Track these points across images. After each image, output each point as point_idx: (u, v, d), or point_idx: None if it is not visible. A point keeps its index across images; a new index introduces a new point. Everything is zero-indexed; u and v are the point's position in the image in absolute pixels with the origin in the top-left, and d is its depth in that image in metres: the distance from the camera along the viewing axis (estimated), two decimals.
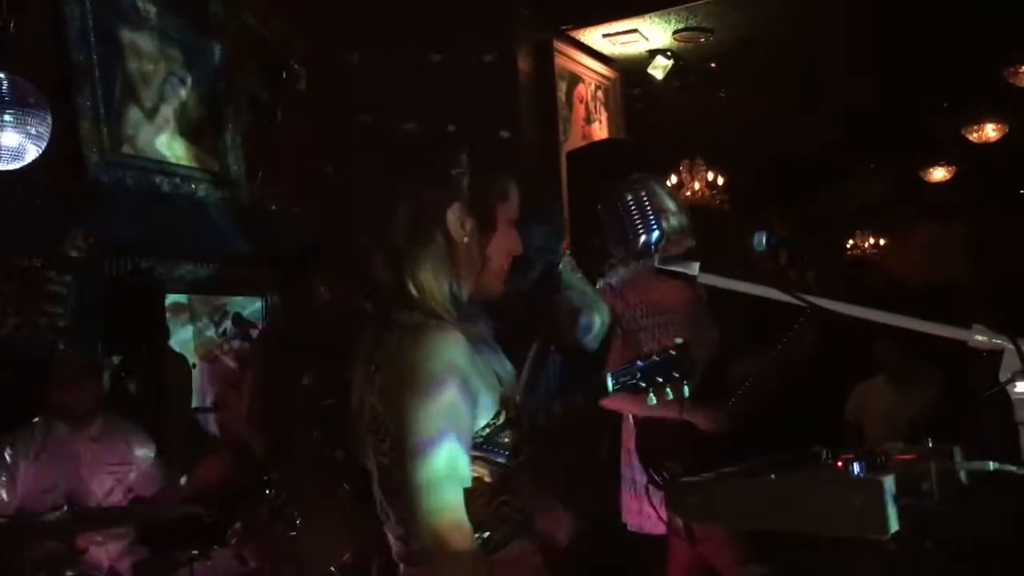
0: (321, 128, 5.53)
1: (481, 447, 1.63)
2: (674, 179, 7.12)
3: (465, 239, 1.69)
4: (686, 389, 1.86)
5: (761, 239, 2.60)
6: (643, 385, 1.86)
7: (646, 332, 3.04)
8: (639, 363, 1.85)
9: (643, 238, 1.83)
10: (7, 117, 3.29)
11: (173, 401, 4.45)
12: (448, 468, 1.55)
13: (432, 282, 1.67)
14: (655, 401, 1.96)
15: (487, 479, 1.64)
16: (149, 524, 3.43)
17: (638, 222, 1.83)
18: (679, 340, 1.92)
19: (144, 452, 3.60)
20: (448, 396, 1.57)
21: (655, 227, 1.83)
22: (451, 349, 1.60)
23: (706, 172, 7.33)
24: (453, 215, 1.68)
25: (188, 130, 4.97)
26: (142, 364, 4.29)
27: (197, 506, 3.35)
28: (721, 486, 1.57)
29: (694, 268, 1.76)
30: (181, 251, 4.75)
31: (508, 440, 1.66)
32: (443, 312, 1.66)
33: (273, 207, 5.26)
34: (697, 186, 7.16)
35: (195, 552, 3.24)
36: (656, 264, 1.81)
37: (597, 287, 3.19)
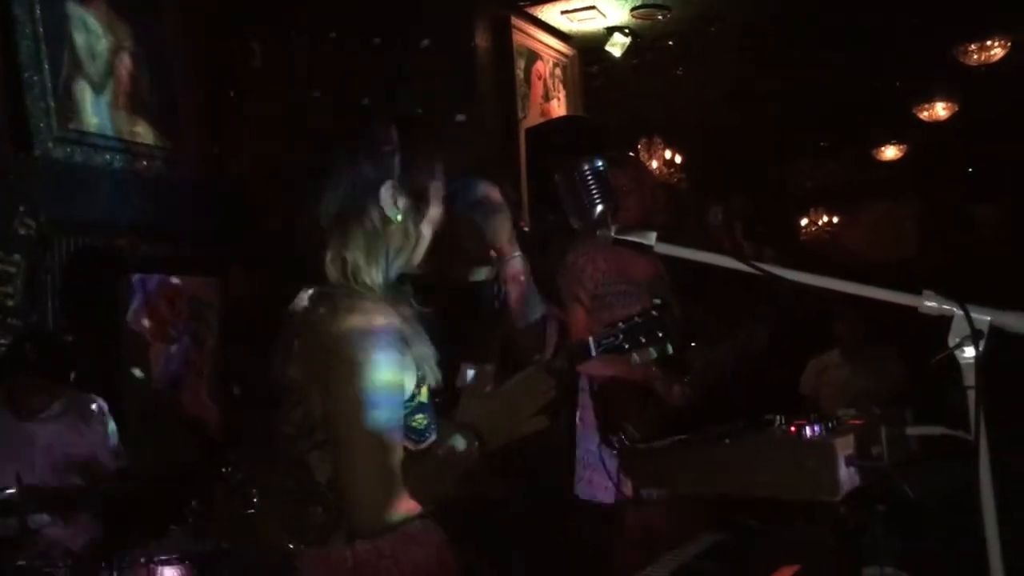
0: (273, 106, 5.46)
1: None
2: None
3: (398, 216, 1.70)
4: (669, 347, 1.86)
5: (717, 213, 2.60)
6: (626, 347, 1.86)
7: (614, 299, 3.13)
8: (621, 325, 1.85)
9: (599, 208, 1.83)
10: None
11: (132, 379, 4.40)
12: (372, 440, 1.58)
13: (363, 259, 1.69)
14: (638, 360, 1.96)
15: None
16: (106, 503, 3.39)
17: (594, 192, 1.84)
18: (658, 301, 1.92)
19: (102, 430, 3.55)
20: (372, 368, 1.58)
21: (610, 198, 1.83)
22: (378, 322, 1.62)
23: (664, 150, 7.37)
24: (386, 192, 1.70)
25: (138, 106, 4.88)
26: (98, 342, 4.23)
27: (155, 484, 3.32)
28: (676, 452, 1.59)
29: (650, 238, 1.77)
30: (132, 229, 4.67)
31: (416, 424, 1.69)
32: (373, 287, 1.69)
33: (225, 185, 5.20)
34: (655, 164, 7.19)
35: (152, 530, 3.21)
36: (612, 235, 1.82)
37: (567, 255, 3.25)
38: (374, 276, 1.70)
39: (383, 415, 1.59)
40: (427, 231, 1.77)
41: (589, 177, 1.85)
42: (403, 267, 1.75)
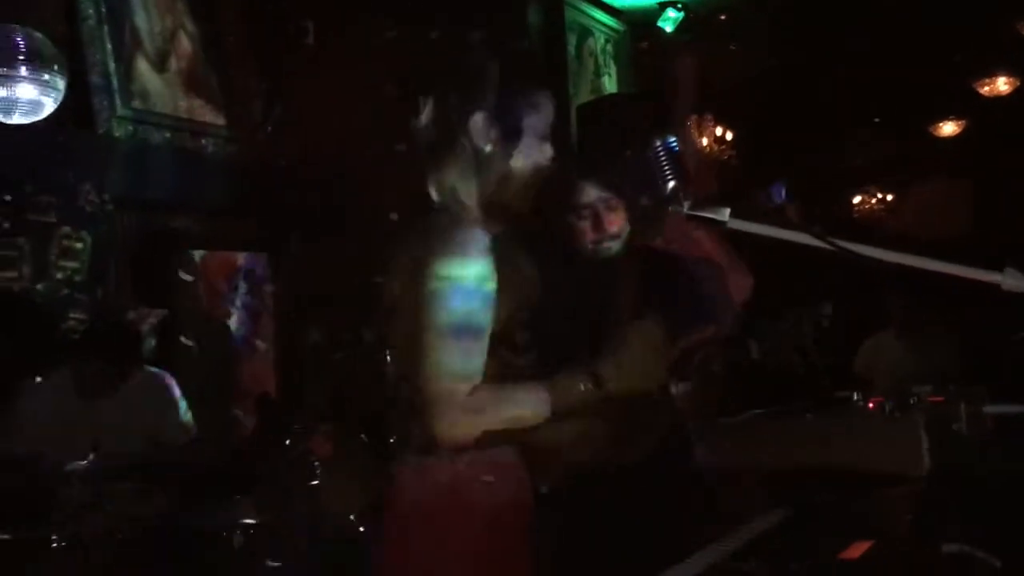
0: (329, 81, 5.50)
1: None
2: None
3: (488, 147, 1.71)
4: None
5: (780, 191, 2.58)
6: None
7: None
8: None
9: (671, 185, 1.83)
10: (24, 71, 3.29)
11: (193, 353, 4.50)
12: (457, 362, 1.60)
13: (459, 183, 1.72)
14: None
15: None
16: (174, 474, 3.47)
17: (667, 169, 1.84)
18: None
19: (168, 405, 3.62)
20: (464, 293, 1.61)
21: (681, 175, 1.83)
22: (469, 237, 1.64)
23: (714, 127, 7.29)
24: (476, 121, 1.70)
25: (196, 84, 4.95)
26: (169, 315, 4.32)
27: (219, 456, 3.40)
28: (754, 425, 1.60)
29: (724, 213, 1.77)
30: (191, 206, 4.75)
31: (518, 340, 1.71)
32: (465, 214, 1.71)
33: (282, 161, 5.26)
34: (705, 141, 7.12)
35: (218, 501, 3.29)
36: (684, 211, 1.82)
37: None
38: (469, 199, 1.72)
39: (466, 321, 1.60)
40: (520, 164, 1.74)
41: (661, 154, 1.85)
42: (501, 198, 1.74)
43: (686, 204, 1.79)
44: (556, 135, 1.89)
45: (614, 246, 2.44)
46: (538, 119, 1.77)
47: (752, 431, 1.62)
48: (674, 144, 1.86)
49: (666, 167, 1.83)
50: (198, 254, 4.83)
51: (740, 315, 2.60)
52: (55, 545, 2.99)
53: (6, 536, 3.05)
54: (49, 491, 3.25)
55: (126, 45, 4.55)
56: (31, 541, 3.04)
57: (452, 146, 1.72)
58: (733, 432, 1.62)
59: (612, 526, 2.03)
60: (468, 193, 1.73)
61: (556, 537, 1.90)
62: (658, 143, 1.85)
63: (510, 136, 1.73)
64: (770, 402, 1.79)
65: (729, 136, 7.48)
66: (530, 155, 1.75)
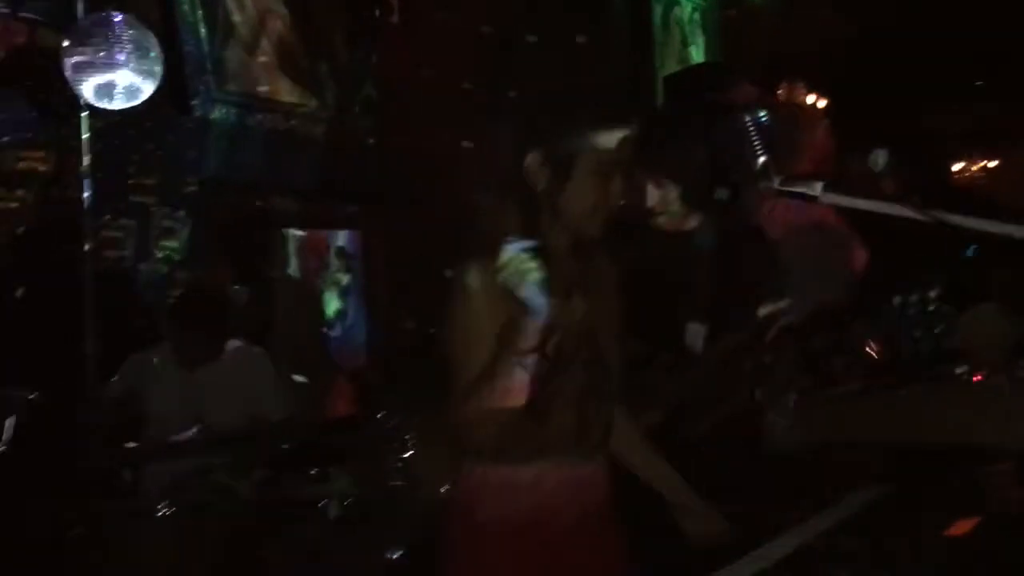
0: (414, 61, 5.54)
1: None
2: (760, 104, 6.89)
3: (540, 186, 1.71)
4: None
5: (878, 158, 2.51)
6: None
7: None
8: None
9: (761, 159, 1.80)
10: (122, 56, 3.39)
11: (288, 329, 4.61)
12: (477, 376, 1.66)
13: (511, 224, 1.71)
14: None
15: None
16: (271, 448, 3.58)
17: (756, 143, 1.80)
18: None
19: (264, 380, 3.72)
20: (465, 312, 1.69)
21: (771, 149, 1.80)
22: (486, 282, 1.67)
23: (805, 95, 7.10)
24: (531, 162, 1.70)
25: (286, 66, 5.05)
26: (257, 294, 4.44)
27: (315, 430, 3.48)
28: (858, 400, 1.57)
29: (816, 187, 1.73)
30: (283, 185, 4.86)
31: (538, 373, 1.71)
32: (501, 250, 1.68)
33: (370, 140, 5.33)
34: (797, 113, 6.94)
35: (314, 473, 3.38)
36: (775, 186, 1.78)
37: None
38: (514, 240, 1.69)
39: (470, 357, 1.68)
40: (572, 205, 1.72)
41: (751, 127, 1.82)
42: (563, 232, 1.75)
43: (777, 179, 1.76)
44: (640, 110, 1.85)
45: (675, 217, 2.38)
46: (594, 157, 1.71)
47: (855, 405, 1.59)
48: (764, 118, 1.83)
49: (756, 141, 1.79)
50: (291, 232, 4.94)
51: (853, 286, 2.53)
52: (161, 513, 3.12)
53: (116, 505, 3.20)
54: (156, 462, 3.40)
55: (219, 29, 4.66)
56: (140, 510, 3.19)
57: (508, 185, 1.74)
58: (836, 406, 1.59)
59: (708, 499, 2.01)
60: (507, 228, 1.72)
61: (644, 516, 1.91)
62: (748, 117, 1.82)
63: (561, 174, 1.71)
64: (874, 377, 1.75)
65: (822, 106, 7.29)
66: (581, 195, 1.72)
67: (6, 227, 3.91)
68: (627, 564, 1.84)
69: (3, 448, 3.13)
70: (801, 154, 3.01)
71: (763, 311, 1.99)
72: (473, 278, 1.69)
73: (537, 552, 1.73)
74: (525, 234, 1.69)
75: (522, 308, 1.66)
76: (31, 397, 3.13)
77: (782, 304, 2.04)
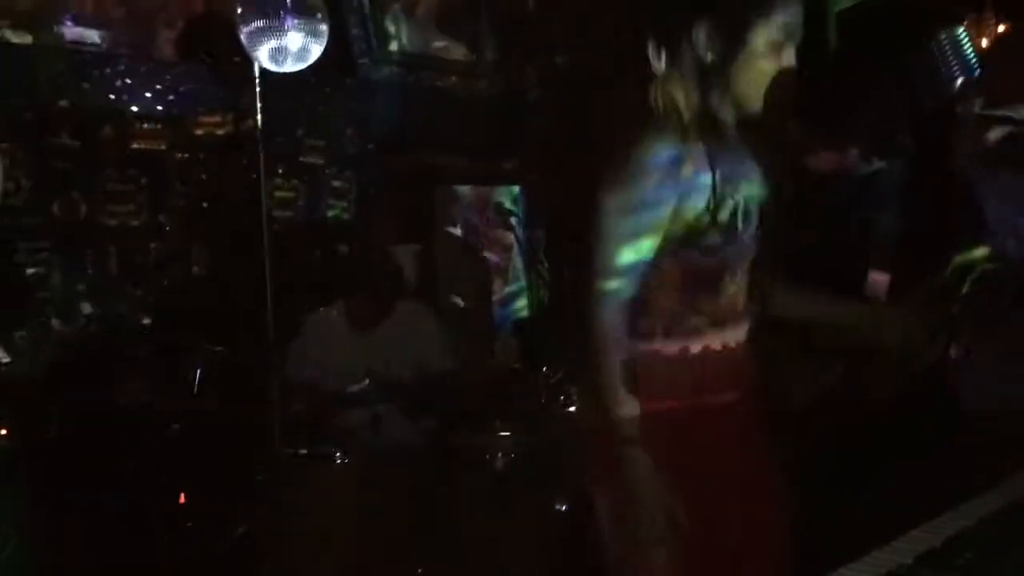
0: (571, 15, 5.45)
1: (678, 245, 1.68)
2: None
3: (710, 58, 1.65)
4: None
5: None
6: None
7: None
8: None
9: (961, 80, 1.65)
10: (291, 20, 3.48)
11: (450, 286, 4.68)
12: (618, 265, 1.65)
13: (674, 99, 1.68)
14: None
15: (676, 277, 1.69)
16: (440, 401, 3.66)
17: (954, 63, 1.66)
18: None
19: (432, 338, 3.78)
20: (638, 179, 1.65)
21: (975, 67, 1.65)
22: (664, 144, 1.64)
23: (995, 26, 6.57)
24: (700, 33, 1.65)
25: (444, 24, 5.07)
26: (421, 253, 4.53)
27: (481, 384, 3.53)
28: None
29: (1023, 112, 1.58)
30: (445, 143, 4.91)
31: (711, 242, 1.68)
32: (679, 126, 1.67)
33: (528, 95, 5.29)
34: (985, 43, 6.43)
35: (481, 425, 3.44)
36: (976, 110, 1.63)
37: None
38: (688, 111, 1.68)
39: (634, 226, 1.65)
40: (743, 78, 1.67)
41: (947, 48, 1.67)
42: (721, 109, 1.70)
43: (978, 103, 1.62)
44: (812, 47, 1.75)
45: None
46: (771, 28, 1.65)
47: None
48: (962, 35, 1.68)
49: (953, 62, 1.65)
50: (456, 189, 5.00)
51: None
52: (337, 462, 3.25)
53: (297, 452, 3.35)
54: (331, 414, 3.54)
55: None
56: (317, 457, 3.33)
57: (674, 56, 1.69)
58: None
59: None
60: (688, 105, 1.69)
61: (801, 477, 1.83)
62: (943, 35, 1.67)
63: (732, 46, 1.65)
64: None
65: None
66: (754, 65, 1.66)
67: (190, 189, 4.12)
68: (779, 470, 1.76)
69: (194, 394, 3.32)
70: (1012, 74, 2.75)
71: (959, 259, 1.85)
72: (647, 142, 1.64)
73: (698, 432, 1.70)
74: (693, 112, 1.66)
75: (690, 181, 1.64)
76: (218, 350, 3.30)
77: (982, 251, 1.89)
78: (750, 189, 1.72)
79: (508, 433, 3.45)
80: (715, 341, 1.72)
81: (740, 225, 1.70)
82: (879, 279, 2.06)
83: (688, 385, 1.72)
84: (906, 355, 1.96)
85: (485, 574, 3.01)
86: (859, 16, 4.47)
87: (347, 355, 3.62)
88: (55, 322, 3.77)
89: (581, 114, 4.94)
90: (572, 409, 3.28)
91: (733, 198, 1.68)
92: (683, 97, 1.68)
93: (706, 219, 1.66)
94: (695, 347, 1.71)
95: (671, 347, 1.71)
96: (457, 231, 5.12)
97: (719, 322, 1.72)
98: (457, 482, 3.29)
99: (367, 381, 3.32)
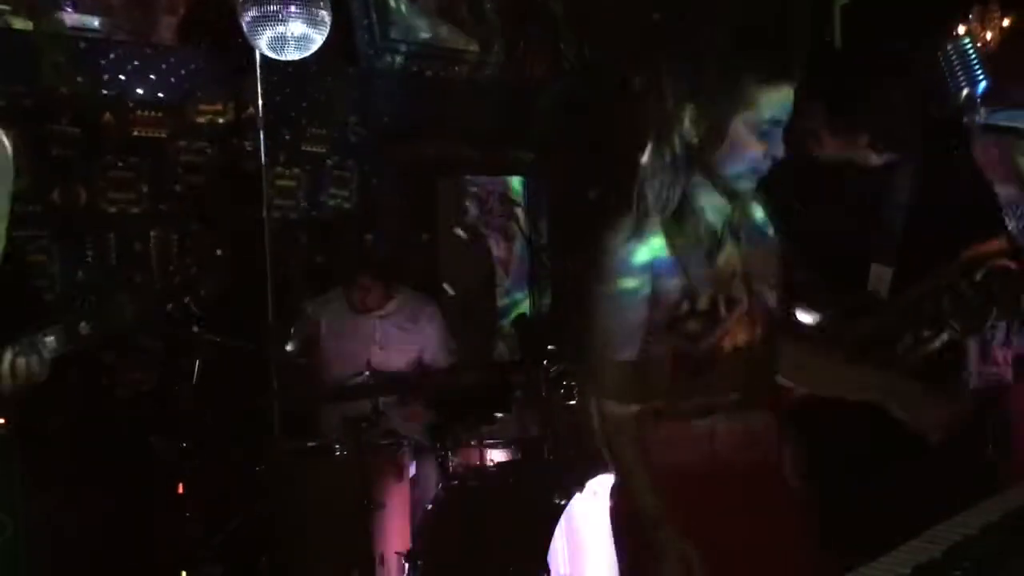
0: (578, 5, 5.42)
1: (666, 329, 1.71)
2: (962, 30, 6.37)
3: (694, 141, 1.68)
4: None
5: None
6: None
7: None
8: None
9: (966, 91, 1.64)
10: (294, 8, 3.46)
11: (451, 276, 4.68)
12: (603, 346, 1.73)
13: (654, 185, 1.70)
14: None
15: (668, 357, 1.72)
16: (439, 392, 3.66)
17: (960, 73, 1.65)
18: None
19: (432, 328, 3.79)
20: (610, 275, 1.70)
21: (981, 78, 1.64)
22: (633, 246, 1.68)
23: (1001, 20, 6.53)
24: (686, 119, 1.67)
25: (447, 12, 5.04)
26: (434, 239, 4.52)
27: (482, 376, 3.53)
28: None
29: None
30: (448, 132, 4.88)
31: (692, 329, 1.70)
32: (651, 211, 1.70)
33: (533, 84, 5.27)
34: (990, 36, 6.40)
35: (480, 417, 3.44)
36: (982, 120, 1.63)
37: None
38: (655, 202, 1.71)
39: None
40: (725, 162, 1.68)
41: (953, 57, 1.67)
42: (700, 189, 1.72)
43: (983, 112, 1.61)
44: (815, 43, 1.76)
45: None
46: (751, 115, 1.64)
47: None
48: (967, 45, 1.67)
49: (959, 72, 1.64)
50: (459, 179, 4.98)
51: None
52: (337, 453, 3.26)
53: (298, 444, 3.36)
54: (331, 404, 3.54)
55: None
56: (318, 448, 3.34)
57: (658, 142, 1.71)
58: None
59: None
60: (660, 194, 1.71)
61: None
62: (949, 46, 1.67)
63: (713, 135, 1.66)
64: None
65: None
66: (737, 155, 1.67)
67: (191, 177, 4.10)
68: (802, 520, 1.78)
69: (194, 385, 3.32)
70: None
71: (966, 254, 1.85)
72: (620, 237, 1.69)
73: (711, 504, 1.70)
74: (676, 187, 1.68)
75: (673, 267, 1.67)
76: (218, 340, 3.30)
77: (992, 246, 1.89)
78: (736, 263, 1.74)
79: (509, 425, 3.47)
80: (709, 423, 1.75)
81: (724, 312, 1.71)
82: (880, 273, 2.05)
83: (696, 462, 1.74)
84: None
85: (485, 568, 3.02)
86: (862, 12, 4.46)
87: (346, 343, 3.64)
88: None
89: (591, 109, 4.93)
90: (572, 402, 3.28)
91: (711, 287, 1.71)
92: (664, 191, 1.70)
93: (685, 307, 1.69)
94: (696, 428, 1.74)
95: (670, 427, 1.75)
96: (461, 221, 5.11)
97: (708, 408, 1.75)
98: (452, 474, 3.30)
99: (366, 372, 3.33)
